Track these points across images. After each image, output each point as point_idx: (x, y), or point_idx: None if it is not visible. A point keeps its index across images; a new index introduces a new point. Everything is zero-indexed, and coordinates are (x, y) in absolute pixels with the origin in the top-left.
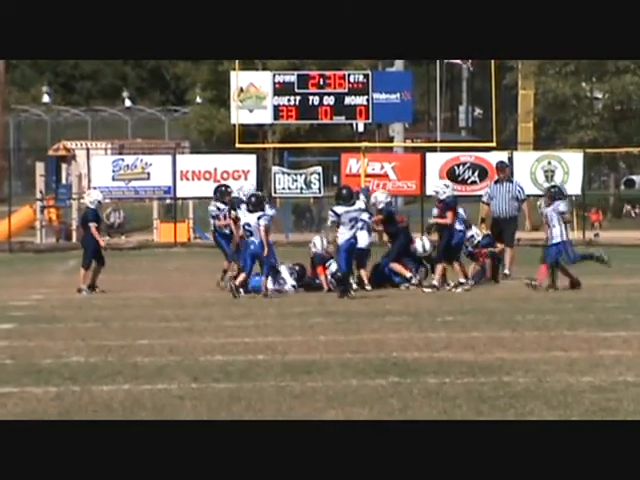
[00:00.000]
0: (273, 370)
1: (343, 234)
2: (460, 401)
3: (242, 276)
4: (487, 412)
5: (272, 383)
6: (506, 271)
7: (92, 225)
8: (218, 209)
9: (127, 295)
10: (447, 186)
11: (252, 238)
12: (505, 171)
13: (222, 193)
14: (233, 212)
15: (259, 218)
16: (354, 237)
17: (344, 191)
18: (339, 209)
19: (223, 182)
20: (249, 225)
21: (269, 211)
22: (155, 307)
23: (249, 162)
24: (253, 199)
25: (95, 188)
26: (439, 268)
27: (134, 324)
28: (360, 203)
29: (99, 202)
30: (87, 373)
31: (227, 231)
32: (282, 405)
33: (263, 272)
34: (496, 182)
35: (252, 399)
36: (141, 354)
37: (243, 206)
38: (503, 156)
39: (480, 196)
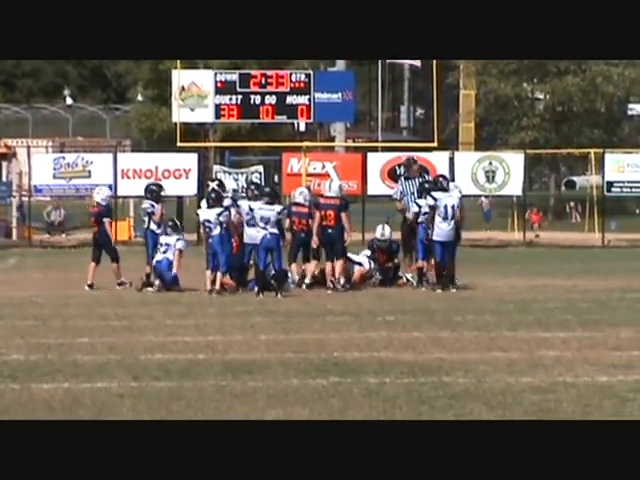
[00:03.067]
0: (213, 369)
1: (259, 232)
2: (400, 401)
3: (218, 275)
4: (427, 412)
5: (212, 382)
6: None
7: (107, 220)
8: (152, 206)
9: (67, 293)
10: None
11: (212, 233)
12: (413, 167)
13: (153, 192)
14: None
15: (219, 214)
16: (269, 234)
17: (267, 189)
18: (255, 205)
19: (154, 181)
20: (209, 221)
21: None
22: (95, 305)
23: (190, 161)
24: (213, 195)
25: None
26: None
27: (74, 322)
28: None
29: (110, 198)
30: (27, 371)
31: (159, 230)
32: (222, 404)
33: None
34: (406, 179)
35: (192, 398)
36: (81, 352)
37: (243, 202)
38: (444, 156)
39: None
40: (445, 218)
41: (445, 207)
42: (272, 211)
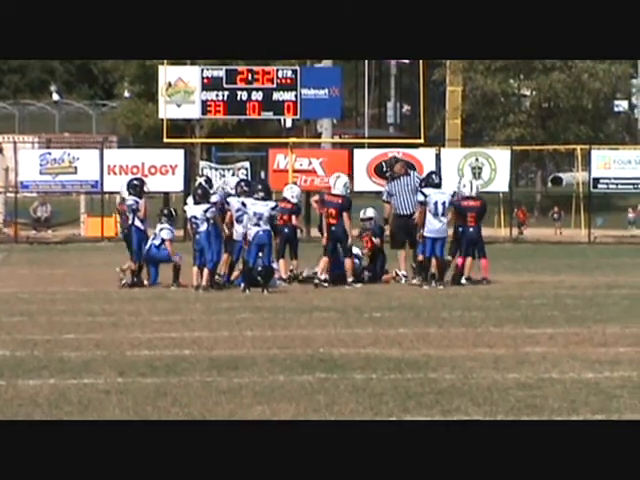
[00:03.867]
0: (199, 365)
1: (251, 229)
2: (387, 397)
3: (205, 272)
4: (413, 408)
5: (198, 378)
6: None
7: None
8: (136, 202)
9: (53, 289)
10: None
11: (199, 230)
12: (398, 166)
13: (136, 187)
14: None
15: (205, 211)
16: (262, 231)
17: (260, 185)
18: (248, 202)
19: (134, 176)
20: (195, 218)
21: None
22: (82, 301)
23: (177, 157)
24: (199, 191)
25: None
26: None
27: (60, 318)
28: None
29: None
30: (13, 367)
31: (141, 226)
32: (208, 400)
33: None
34: (393, 178)
35: (178, 394)
36: (67, 348)
37: (233, 199)
38: (431, 152)
39: None
40: (436, 214)
41: (436, 203)
42: (266, 207)
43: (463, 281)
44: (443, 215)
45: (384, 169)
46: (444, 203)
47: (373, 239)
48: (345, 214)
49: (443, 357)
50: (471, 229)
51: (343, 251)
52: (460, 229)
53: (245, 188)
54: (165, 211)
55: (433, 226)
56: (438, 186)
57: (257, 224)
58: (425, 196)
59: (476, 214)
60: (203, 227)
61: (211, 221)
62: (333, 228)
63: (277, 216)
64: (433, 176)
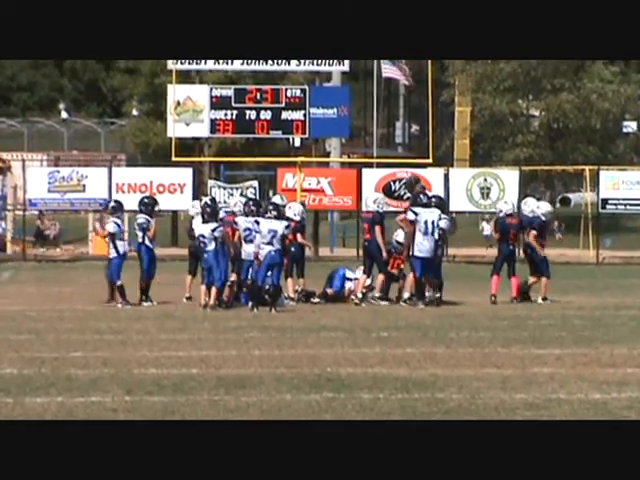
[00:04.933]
0: (207, 384)
1: (263, 248)
2: (394, 417)
3: (213, 291)
4: None
5: (206, 397)
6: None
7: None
8: (148, 221)
9: (61, 307)
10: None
11: (207, 249)
12: (418, 187)
13: (148, 205)
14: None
15: (213, 230)
16: (274, 251)
17: (271, 205)
18: (262, 220)
19: (146, 194)
20: (203, 236)
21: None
22: (89, 319)
23: (185, 175)
24: (208, 210)
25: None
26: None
27: (68, 336)
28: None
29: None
30: (20, 385)
31: (151, 245)
32: (216, 419)
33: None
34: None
35: (186, 413)
36: (75, 366)
37: (240, 219)
38: (439, 172)
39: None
40: (425, 234)
41: (425, 222)
42: (280, 225)
43: (540, 301)
44: (432, 234)
45: (393, 186)
46: (433, 222)
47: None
48: (377, 228)
49: (450, 377)
50: (511, 247)
51: (377, 267)
52: (510, 247)
53: (253, 208)
54: (208, 209)
55: (423, 246)
56: (427, 205)
57: (270, 242)
58: (416, 215)
59: (517, 232)
60: (211, 246)
61: (219, 240)
62: (366, 244)
63: (288, 235)
64: (421, 196)
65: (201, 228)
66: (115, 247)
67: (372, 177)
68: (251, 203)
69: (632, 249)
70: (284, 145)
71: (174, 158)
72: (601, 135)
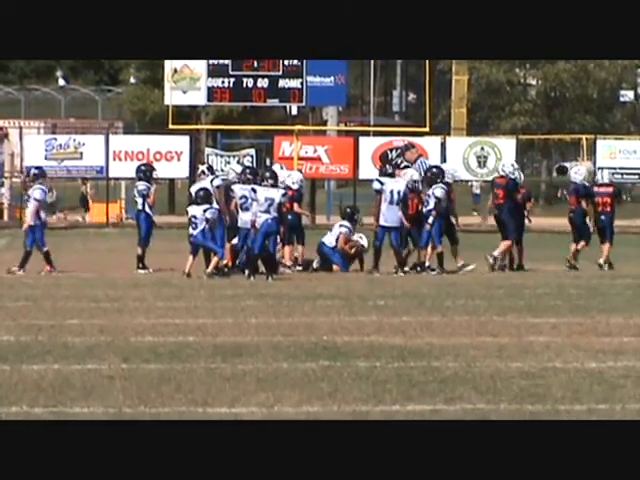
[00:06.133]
0: (204, 352)
1: (260, 216)
2: (390, 385)
3: (214, 259)
4: (416, 397)
5: (202, 365)
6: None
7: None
8: (148, 188)
9: (58, 275)
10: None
11: (196, 229)
12: (409, 153)
13: (146, 172)
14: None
15: (205, 210)
16: (271, 219)
17: (268, 172)
18: (259, 188)
19: (144, 162)
20: (195, 217)
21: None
22: (86, 287)
23: (182, 143)
24: (201, 193)
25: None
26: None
27: (64, 304)
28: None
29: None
30: (17, 352)
31: (150, 212)
32: (212, 387)
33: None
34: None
35: (182, 380)
36: (71, 334)
37: (237, 186)
38: (436, 141)
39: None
40: (391, 203)
41: (392, 192)
42: (277, 193)
43: (605, 267)
44: (398, 204)
45: (390, 155)
46: (399, 192)
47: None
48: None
49: (446, 345)
50: (603, 216)
51: (504, 233)
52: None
53: (249, 176)
54: (201, 192)
55: (389, 215)
56: (392, 175)
57: (267, 211)
58: (381, 184)
59: (504, 191)
60: (201, 227)
61: (209, 221)
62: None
63: (285, 203)
64: (387, 166)
65: (194, 209)
66: (39, 214)
67: (369, 145)
68: (247, 171)
69: (628, 218)
70: (281, 113)
71: (171, 126)
72: (598, 104)
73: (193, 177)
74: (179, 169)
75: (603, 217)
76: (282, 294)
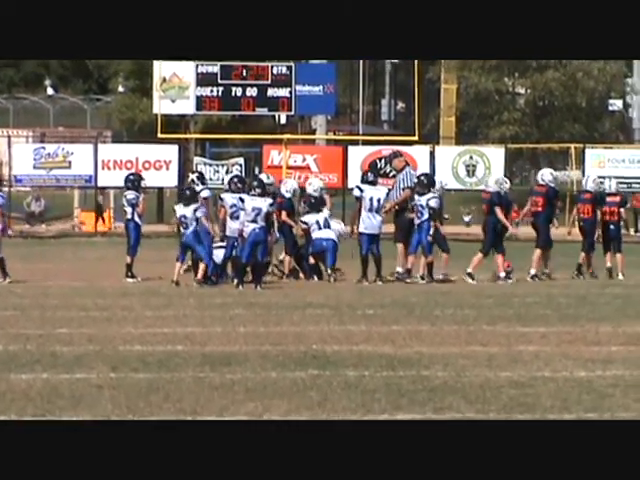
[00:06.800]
0: (192, 361)
1: (247, 226)
2: (379, 395)
3: (201, 267)
4: (405, 406)
5: (191, 374)
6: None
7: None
8: (137, 197)
9: (47, 284)
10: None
11: (188, 229)
12: (396, 161)
13: (134, 181)
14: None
15: (195, 210)
16: (259, 228)
17: (255, 182)
18: (246, 198)
19: (133, 172)
20: (185, 217)
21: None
22: (75, 296)
23: (171, 152)
24: (188, 192)
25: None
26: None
27: (53, 313)
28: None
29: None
30: (5, 361)
31: (139, 221)
32: (200, 396)
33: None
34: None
35: (170, 390)
36: (60, 343)
37: (227, 195)
38: (425, 150)
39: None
40: (370, 210)
41: (371, 199)
42: (264, 202)
43: (621, 277)
44: (377, 212)
45: (379, 164)
46: (379, 200)
47: None
48: (497, 209)
49: (436, 355)
50: (612, 226)
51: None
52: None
53: (239, 185)
54: (187, 192)
55: (369, 222)
56: (373, 183)
57: (254, 220)
58: (361, 191)
59: (488, 205)
60: (192, 227)
61: (200, 220)
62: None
63: (272, 212)
64: (369, 174)
65: (183, 209)
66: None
67: (358, 154)
68: (236, 180)
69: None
70: (270, 122)
71: (160, 135)
72: (587, 113)
73: (182, 186)
74: (168, 178)
75: (612, 227)
76: (271, 303)
